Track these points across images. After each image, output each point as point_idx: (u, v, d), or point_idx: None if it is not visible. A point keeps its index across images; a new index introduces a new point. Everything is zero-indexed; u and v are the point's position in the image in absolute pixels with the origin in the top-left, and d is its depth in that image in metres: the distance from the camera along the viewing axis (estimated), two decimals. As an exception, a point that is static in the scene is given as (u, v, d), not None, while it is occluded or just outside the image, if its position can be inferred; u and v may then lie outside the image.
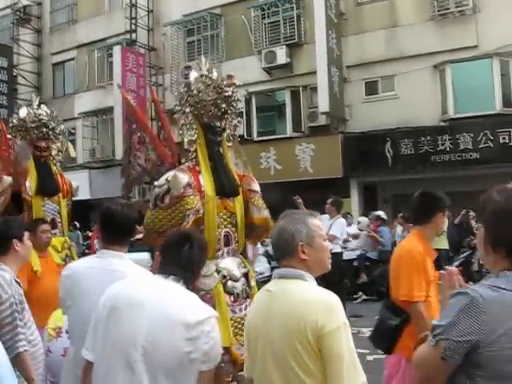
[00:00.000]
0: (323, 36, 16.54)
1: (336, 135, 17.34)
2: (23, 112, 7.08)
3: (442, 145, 15.71)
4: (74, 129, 23.86)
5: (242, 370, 2.74)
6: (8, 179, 6.80)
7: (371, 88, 17.52)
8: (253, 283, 5.49)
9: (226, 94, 5.41)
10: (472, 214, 13.81)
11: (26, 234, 3.77)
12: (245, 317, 5.39)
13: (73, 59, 24.41)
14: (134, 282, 2.68)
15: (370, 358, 7.26)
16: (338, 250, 9.27)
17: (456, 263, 11.80)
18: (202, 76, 5.48)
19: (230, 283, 5.30)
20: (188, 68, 19.58)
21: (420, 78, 16.35)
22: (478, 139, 15.27)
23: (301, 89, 18.08)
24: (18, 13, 25.07)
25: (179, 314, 2.45)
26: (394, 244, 14.85)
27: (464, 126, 15.61)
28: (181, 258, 2.63)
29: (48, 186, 6.93)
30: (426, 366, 1.94)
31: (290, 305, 2.33)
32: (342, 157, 16.98)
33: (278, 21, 18.46)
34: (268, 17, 18.66)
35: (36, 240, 5.46)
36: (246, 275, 5.45)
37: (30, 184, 6.86)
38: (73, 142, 24.07)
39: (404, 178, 16.21)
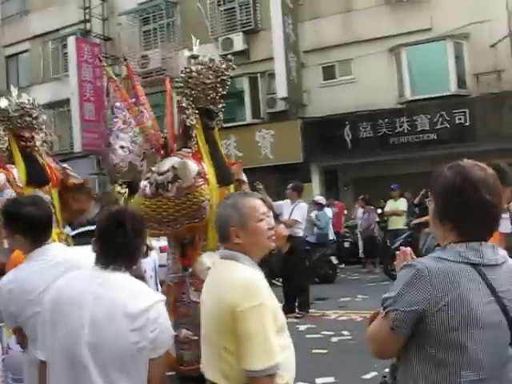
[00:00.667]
0: (279, 22, 16.56)
1: (295, 120, 17.42)
2: (3, 102, 6.76)
3: (400, 127, 15.93)
4: (30, 122, 23.40)
5: None
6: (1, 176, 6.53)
7: (328, 72, 17.63)
8: None
9: (224, 77, 5.27)
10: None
11: None
12: None
13: (26, 51, 23.95)
14: (74, 277, 2.58)
15: (334, 339, 7.38)
16: (300, 234, 9.34)
17: (396, 245, 11.91)
18: (197, 57, 5.28)
19: None
20: (144, 57, 19.42)
21: (376, 61, 16.52)
22: (435, 120, 15.53)
23: (259, 75, 18.11)
24: (-34, 5, 24.49)
25: (121, 305, 2.39)
26: (355, 226, 15.14)
27: (420, 108, 15.84)
28: (116, 245, 2.51)
29: (37, 177, 6.65)
30: (377, 337, 2.00)
31: (216, 284, 2.36)
32: (302, 142, 17.07)
33: (234, 7, 18.45)
34: (224, 3, 18.62)
35: None
36: None
37: (19, 175, 6.58)
38: (30, 135, 23.65)
39: (364, 161, 16.39)
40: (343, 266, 14.16)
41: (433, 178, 2.06)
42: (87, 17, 20.99)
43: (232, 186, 5.39)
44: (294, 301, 9.26)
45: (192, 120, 5.23)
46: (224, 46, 17.95)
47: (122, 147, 6.42)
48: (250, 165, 17.34)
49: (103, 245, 2.55)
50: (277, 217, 5.45)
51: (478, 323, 1.85)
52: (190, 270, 5.19)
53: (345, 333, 7.58)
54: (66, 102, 20.76)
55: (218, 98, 5.32)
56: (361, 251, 14.73)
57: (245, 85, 18.24)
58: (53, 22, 22.17)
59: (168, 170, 4.97)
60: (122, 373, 2.37)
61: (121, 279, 2.48)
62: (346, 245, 14.82)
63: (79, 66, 19.75)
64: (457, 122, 15.29)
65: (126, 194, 10.68)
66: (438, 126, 15.49)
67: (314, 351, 6.72)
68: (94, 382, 2.36)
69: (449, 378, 1.86)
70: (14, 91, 6.99)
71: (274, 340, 2.18)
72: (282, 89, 16.70)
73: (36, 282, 2.99)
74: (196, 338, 5.23)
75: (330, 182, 18.12)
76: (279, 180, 15.10)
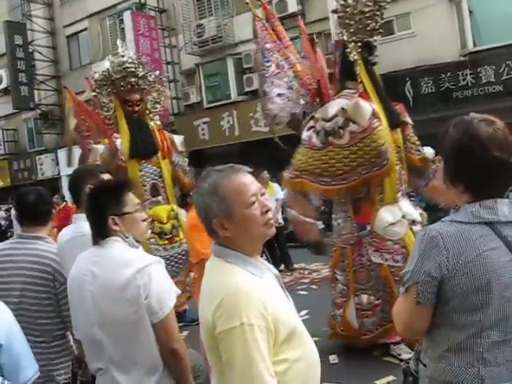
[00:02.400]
0: (333, -20, 16.14)
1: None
2: (107, 63, 6.10)
3: (464, 80, 15.34)
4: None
5: None
6: (99, 148, 5.84)
7: (387, 28, 17.00)
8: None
9: (383, 3, 4.67)
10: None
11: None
12: None
13: (85, 29, 24.36)
14: (79, 259, 2.63)
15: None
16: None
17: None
18: None
19: (414, 228, 4.65)
20: (200, 26, 19.39)
21: (436, 12, 15.89)
22: (501, 71, 14.86)
23: (315, 36, 17.72)
24: (26, -12, 25.02)
25: (113, 279, 2.41)
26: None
27: (485, 59, 15.17)
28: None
29: (143, 147, 5.93)
30: (404, 315, 1.94)
31: (201, 294, 1.93)
32: (363, 101, 16.74)
33: (287, -32, 18.05)
34: (276, -35, 18.25)
35: None
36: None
37: (122, 147, 5.92)
38: (94, 112, 24.20)
39: (426, 118, 15.91)
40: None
41: (439, 137, 1.95)
42: (141, -10, 21.09)
43: (399, 130, 4.71)
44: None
45: (354, 55, 4.59)
46: (278, 8, 17.64)
47: (279, 95, 5.50)
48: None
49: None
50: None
51: (500, 283, 1.78)
52: (368, 228, 4.69)
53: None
54: (127, 76, 21.06)
55: (377, 28, 4.69)
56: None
57: (301, 47, 17.93)
58: (108, -1, 22.45)
59: (336, 115, 4.37)
60: (132, 340, 2.42)
61: (112, 252, 2.50)
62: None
63: (136, 39, 19.91)
64: (525, 70, 14.61)
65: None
66: (505, 77, 14.81)
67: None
68: (110, 353, 2.45)
69: (472, 339, 1.82)
70: (121, 45, 6.23)
71: (263, 365, 1.73)
72: (339, 48, 16.36)
73: (65, 250, 3.17)
74: (379, 301, 4.83)
75: (394, 141, 17.75)
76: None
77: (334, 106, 4.42)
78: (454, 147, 1.88)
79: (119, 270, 2.40)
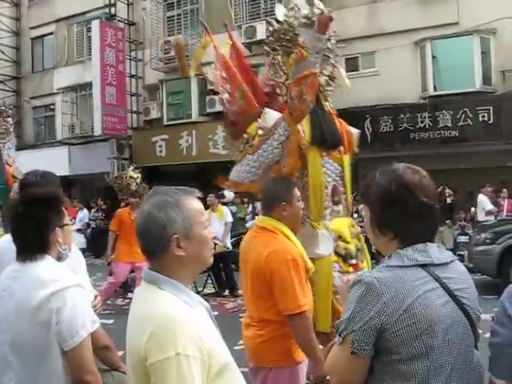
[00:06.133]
0: (303, 11, 16.33)
1: (316, 112, 17.24)
2: (280, 11, 4.54)
3: (422, 122, 15.68)
4: (53, 104, 23.56)
5: None
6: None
7: (352, 64, 17.33)
8: None
9: None
10: (448, 191, 13.85)
11: None
12: None
13: (52, 33, 24.04)
14: (4, 273, 2.46)
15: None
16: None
17: None
18: None
19: None
20: (167, 43, 19.33)
21: (401, 54, 16.25)
22: (458, 117, 15.25)
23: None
24: (-5, -14, 24.60)
25: (27, 298, 2.25)
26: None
27: (443, 104, 15.55)
28: (12, 231, 2.41)
29: (326, 133, 4.42)
30: (339, 367, 1.83)
31: (130, 321, 1.84)
32: (322, 134, 16.87)
33: (259, -5, 18.24)
34: (248, -9, 18.43)
35: None
36: None
37: (303, 128, 4.39)
38: (52, 118, 23.79)
39: (383, 156, 16.16)
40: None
41: (365, 185, 1.97)
42: (112, 1, 20.90)
43: None
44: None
45: None
46: (247, 34, 17.79)
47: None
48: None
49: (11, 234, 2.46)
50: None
51: (441, 326, 1.74)
52: None
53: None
54: (89, 85, 20.76)
55: None
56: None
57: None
58: (78, 6, 22.20)
59: None
60: (40, 365, 2.26)
61: (34, 270, 2.33)
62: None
63: (102, 49, 19.68)
64: (480, 119, 15.00)
65: (139, 179, 10.56)
66: (461, 123, 15.20)
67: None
68: (18, 377, 2.28)
69: None
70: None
71: None
72: (303, 79, 16.51)
73: (5, 254, 2.90)
74: None
75: (351, 176, 17.89)
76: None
77: None
78: (382, 195, 1.89)
79: (35, 289, 2.24)
